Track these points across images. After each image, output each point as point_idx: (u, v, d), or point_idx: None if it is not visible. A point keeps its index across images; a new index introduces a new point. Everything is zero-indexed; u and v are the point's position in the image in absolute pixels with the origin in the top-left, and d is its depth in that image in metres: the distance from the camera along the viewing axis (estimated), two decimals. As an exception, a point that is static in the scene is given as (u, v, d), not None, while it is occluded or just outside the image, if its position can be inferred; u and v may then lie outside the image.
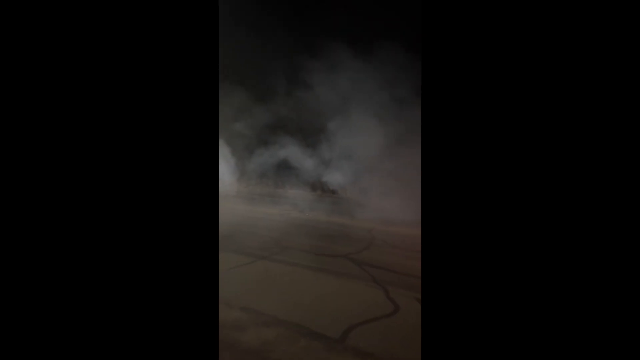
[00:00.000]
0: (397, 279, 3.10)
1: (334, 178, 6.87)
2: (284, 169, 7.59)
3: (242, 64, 6.98)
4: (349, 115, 6.27)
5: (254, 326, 1.97)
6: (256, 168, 7.53)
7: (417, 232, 4.84)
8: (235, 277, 2.88)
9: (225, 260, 3.38)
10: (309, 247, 3.98)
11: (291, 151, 7.04)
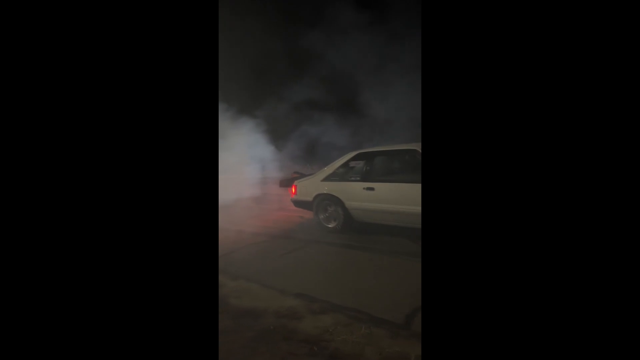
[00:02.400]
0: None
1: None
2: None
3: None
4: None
5: (309, 314, 1.87)
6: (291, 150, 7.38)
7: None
8: (286, 264, 2.81)
9: (273, 246, 3.35)
10: (357, 226, 3.81)
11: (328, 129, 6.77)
